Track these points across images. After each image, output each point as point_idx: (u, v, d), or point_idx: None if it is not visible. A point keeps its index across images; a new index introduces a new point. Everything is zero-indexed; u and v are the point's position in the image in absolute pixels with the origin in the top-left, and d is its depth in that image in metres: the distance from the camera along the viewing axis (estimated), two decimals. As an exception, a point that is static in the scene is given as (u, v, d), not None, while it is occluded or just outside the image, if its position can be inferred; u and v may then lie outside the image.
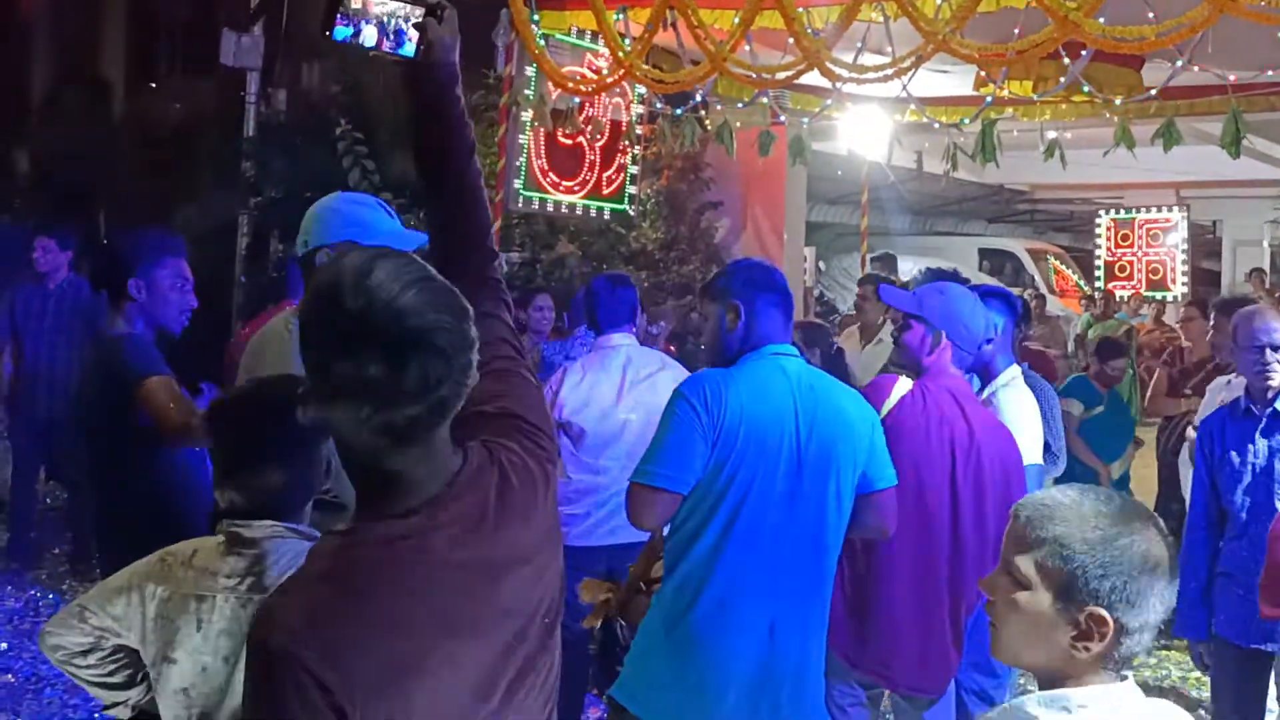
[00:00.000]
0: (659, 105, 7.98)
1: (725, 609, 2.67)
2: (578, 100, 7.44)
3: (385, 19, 2.23)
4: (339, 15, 2.21)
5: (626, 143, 8.22)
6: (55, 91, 14.26)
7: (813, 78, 5.85)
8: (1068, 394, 5.86)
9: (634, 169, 8.38)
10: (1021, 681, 3.69)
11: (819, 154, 10.23)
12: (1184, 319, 7.82)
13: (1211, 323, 4.81)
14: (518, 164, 7.32)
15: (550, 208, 7.83)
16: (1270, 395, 3.48)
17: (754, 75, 5.91)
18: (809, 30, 5.47)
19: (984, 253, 17.80)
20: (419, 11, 1.93)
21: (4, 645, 5.17)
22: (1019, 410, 3.65)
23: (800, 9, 5.45)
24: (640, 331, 4.61)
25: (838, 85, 5.85)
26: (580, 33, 7.32)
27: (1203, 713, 4.23)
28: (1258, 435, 3.49)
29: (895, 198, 14.29)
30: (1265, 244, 18.05)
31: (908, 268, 11.89)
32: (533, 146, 7.45)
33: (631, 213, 8.54)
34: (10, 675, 4.85)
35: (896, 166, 10.76)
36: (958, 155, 8.58)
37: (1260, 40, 5.38)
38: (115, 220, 11.75)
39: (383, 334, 1.34)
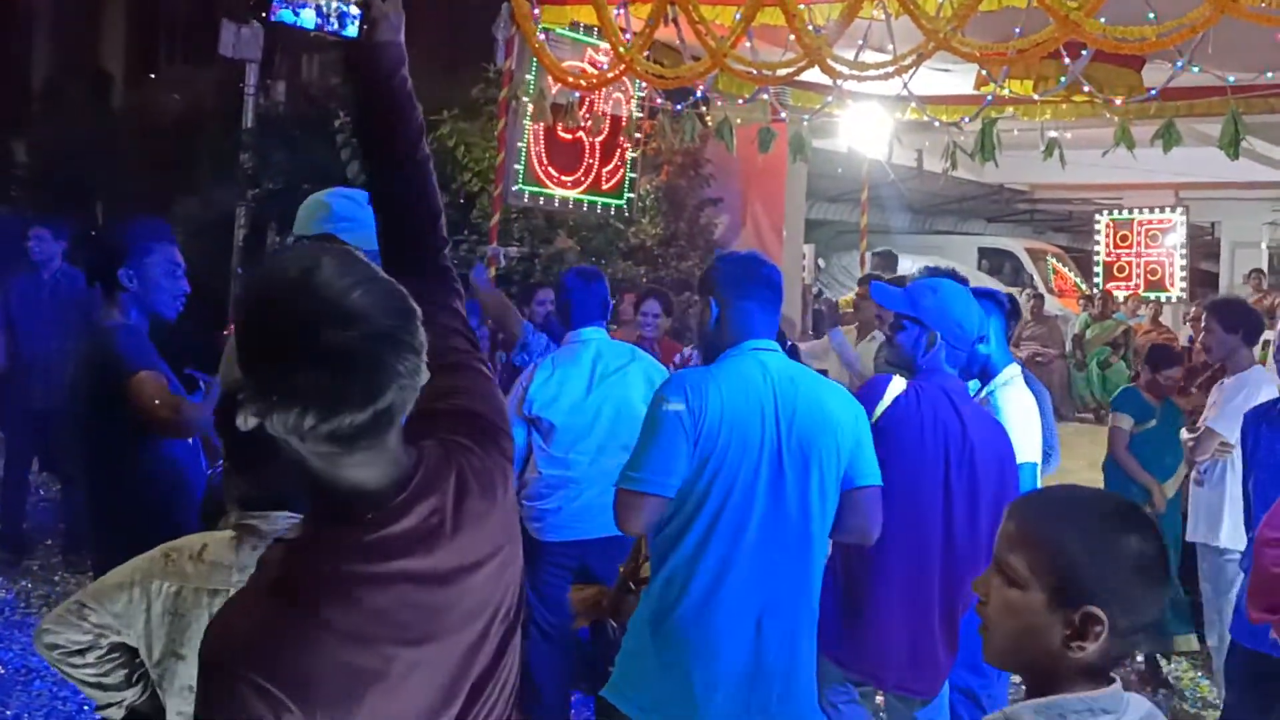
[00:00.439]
0: (659, 101, 7.96)
1: (711, 605, 2.67)
2: (578, 95, 7.42)
3: (324, 1, 2.15)
4: None
5: (626, 138, 8.20)
6: (54, 82, 14.25)
7: (814, 75, 5.83)
8: (1118, 408, 5.44)
9: (634, 165, 8.37)
10: (1016, 680, 3.68)
11: (819, 151, 10.21)
12: (1194, 318, 7.81)
13: (1203, 324, 4.79)
14: (517, 158, 7.30)
15: (549, 202, 7.81)
16: None
17: (755, 71, 5.90)
18: (810, 27, 5.45)
19: (983, 252, 17.79)
20: None
21: (-5, 636, 5.16)
22: (1017, 408, 3.64)
23: (802, 5, 5.44)
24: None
25: (838, 82, 5.84)
26: (581, 27, 7.30)
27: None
28: None
29: (895, 196, 14.28)
30: (1263, 245, 18.06)
31: (907, 266, 11.87)
32: (532, 141, 7.43)
33: (630, 209, 8.53)
34: (0, 667, 4.84)
35: (897, 165, 10.74)
36: (958, 154, 8.57)
37: (1260, 42, 5.37)
38: (113, 211, 11.74)
39: (327, 339, 1.25)
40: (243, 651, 1.28)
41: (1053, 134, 8.34)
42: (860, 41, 5.78)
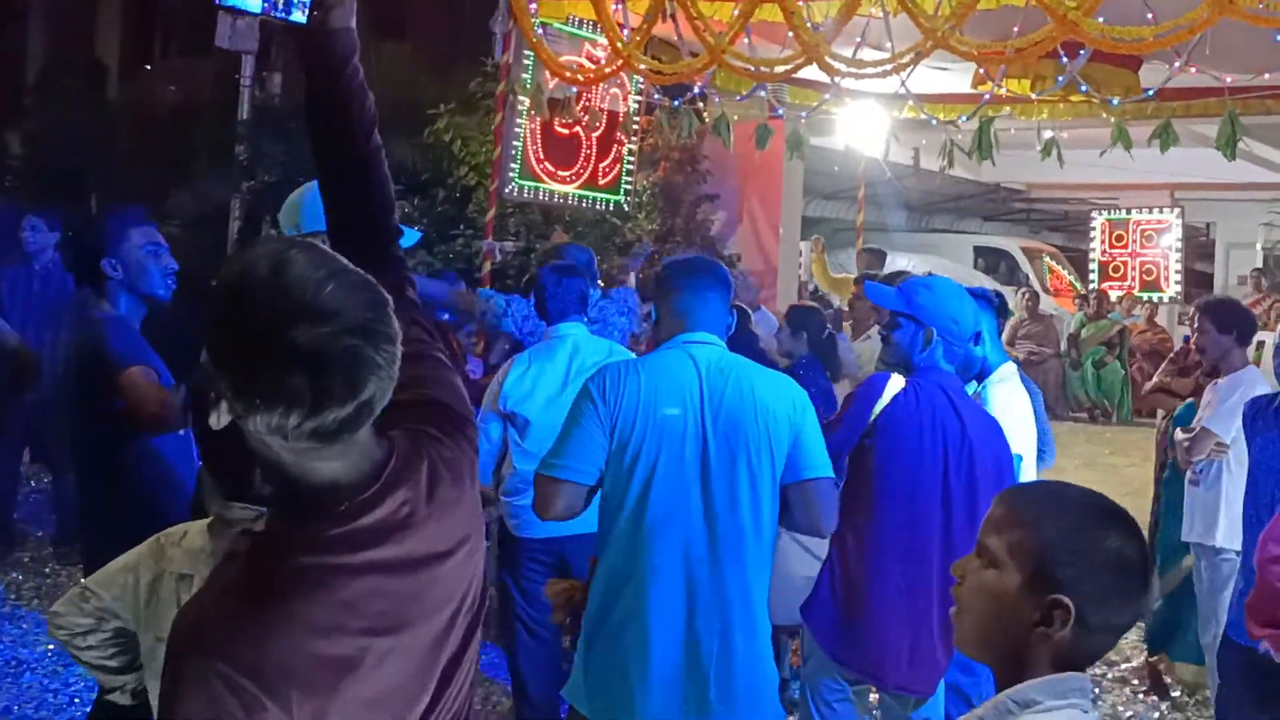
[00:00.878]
0: (656, 96, 7.95)
1: (642, 601, 2.68)
2: (575, 90, 7.41)
3: None
4: None
5: (623, 133, 8.19)
6: (49, 74, 14.19)
7: (811, 72, 5.83)
8: (1180, 423, 5.04)
9: (630, 160, 8.36)
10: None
11: (816, 148, 10.22)
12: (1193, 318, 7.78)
13: (1196, 324, 4.78)
14: (513, 153, 7.29)
15: (545, 197, 7.80)
16: None
17: (752, 68, 5.89)
18: (808, 24, 5.45)
19: (979, 251, 17.79)
20: None
21: (-14, 628, 5.14)
22: (1009, 404, 3.64)
23: (800, 2, 5.44)
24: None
25: (836, 80, 5.83)
26: (579, 22, 7.29)
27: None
28: None
29: (892, 194, 14.27)
30: (1258, 246, 18.10)
31: (903, 264, 11.87)
32: (529, 135, 7.42)
33: (627, 204, 8.52)
34: (-9, 658, 4.83)
35: (894, 162, 10.76)
36: (955, 153, 8.58)
37: (1257, 43, 5.37)
38: (107, 202, 11.72)
39: (304, 337, 1.23)
40: (214, 644, 1.27)
41: (1050, 133, 8.35)
42: (858, 39, 5.78)
